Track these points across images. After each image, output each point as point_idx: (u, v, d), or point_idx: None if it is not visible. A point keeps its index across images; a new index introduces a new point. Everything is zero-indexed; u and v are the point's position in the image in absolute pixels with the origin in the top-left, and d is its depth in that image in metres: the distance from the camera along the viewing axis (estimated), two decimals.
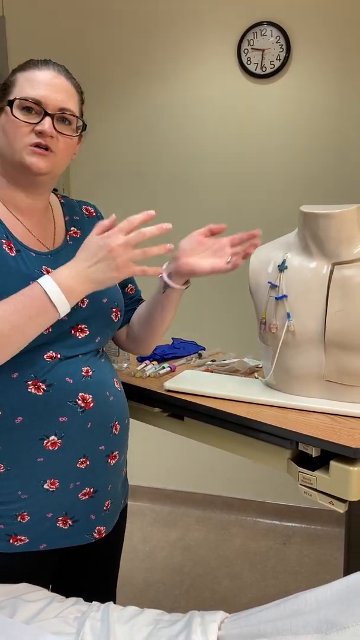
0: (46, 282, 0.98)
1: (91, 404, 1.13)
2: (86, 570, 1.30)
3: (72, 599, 1.08)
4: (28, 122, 1.07)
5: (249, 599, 2.27)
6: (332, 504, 1.13)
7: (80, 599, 1.09)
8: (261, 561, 2.51)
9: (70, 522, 1.16)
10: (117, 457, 1.21)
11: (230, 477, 2.82)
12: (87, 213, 1.31)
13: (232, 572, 2.44)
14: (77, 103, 1.15)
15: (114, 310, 1.21)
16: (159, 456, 2.88)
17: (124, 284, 1.34)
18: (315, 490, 1.15)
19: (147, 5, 2.57)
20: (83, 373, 1.14)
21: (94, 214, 1.32)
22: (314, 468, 1.16)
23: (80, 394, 1.12)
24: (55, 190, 1.27)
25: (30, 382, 1.08)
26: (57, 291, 0.98)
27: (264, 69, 2.46)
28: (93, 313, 1.16)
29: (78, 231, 1.24)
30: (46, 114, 1.08)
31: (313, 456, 1.16)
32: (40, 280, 0.99)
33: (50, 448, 1.10)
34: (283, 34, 2.40)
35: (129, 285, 1.37)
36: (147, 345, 1.37)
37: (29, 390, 1.08)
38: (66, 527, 1.15)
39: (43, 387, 1.08)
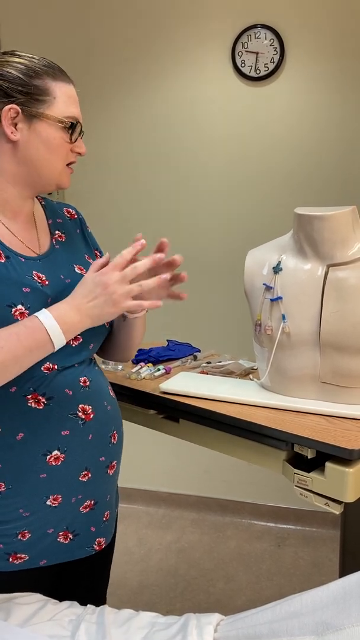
0: (45, 317, 0.98)
1: (91, 415, 1.11)
2: (81, 581, 1.28)
3: (67, 602, 1.07)
4: (71, 142, 1.09)
5: (244, 601, 2.26)
6: (328, 506, 1.13)
7: (75, 602, 1.08)
8: (256, 563, 2.51)
9: (70, 537, 1.14)
10: (115, 466, 1.20)
11: (225, 479, 2.82)
12: (69, 215, 1.27)
13: (227, 574, 2.43)
14: None
15: None
16: (153, 458, 2.87)
17: None
18: (311, 491, 1.15)
19: (142, 8, 2.57)
20: (81, 383, 1.11)
21: (76, 216, 1.29)
22: (310, 469, 1.16)
23: (80, 405, 1.10)
24: None
25: (29, 396, 1.05)
26: (55, 327, 0.98)
27: (258, 71, 2.47)
28: None
29: (63, 235, 1.21)
30: (81, 133, 1.10)
31: (308, 457, 1.16)
32: (39, 315, 0.98)
33: (54, 463, 1.08)
34: (277, 37, 2.41)
35: None
36: (122, 357, 1.34)
37: (29, 404, 1.05)
38: (67, 542, 1.13)
39: (43, 400, 1.06)
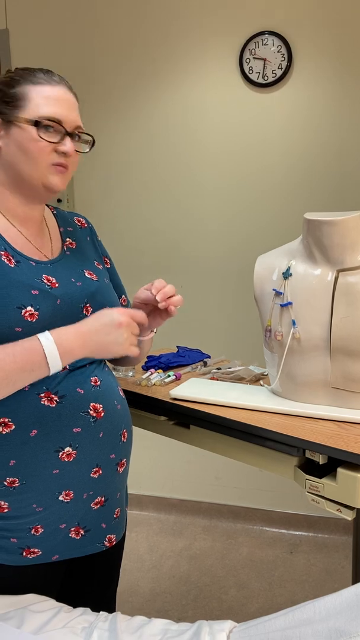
0: (45, 339, 1.01)
1: (102, 414, 1.14)
2: (92, 578, 1.30)
3: (80, 609, 1.07)
4: (51, 142, 1.08)
5: (257, 609, 2.25)
6: (340, 512, 1.13)
7: (88, 609, 1.08)
8: (268, 570, 2.49)
9: (82, 532, 1.16)
10: (125, 464, 1.23)
11: (236, 486, 2.81)
12: (79, 224, 1.32)
13: (239, 581, 2.42)
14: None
15: None
16: (164, 465, 2.87)
17: (118, 295, 1.35)
18: (323, 497, 1.15)
19: (149, 16, 2.59)
20: (92, 383, 1.14)
21: (86, 225, 1.33)
22: (321, 475, 1.15)
23: (91, 404, 1.13)
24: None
25: (42, 394, 1.08)
26: (53, 350, 1.00)
27: (265, 78, 2.47)
28: None
29: (73, 242, 1.25)
30: (67, 133, 1.09)
31: (320, 463, 1.16)
32: (40, 337, 1.01)
33: (66, 459, 1.10)
34: (284, 43, 2.42)
35: (123, 296, 1.39)
36: (129, 364, 1.41)
37: (42, 402, 1.08)
38: (78, 537, 1.16)
39: (56, 398, 1.08)
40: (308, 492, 1.17)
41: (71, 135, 1.10)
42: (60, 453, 1.10)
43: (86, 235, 1.31)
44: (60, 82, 1.12)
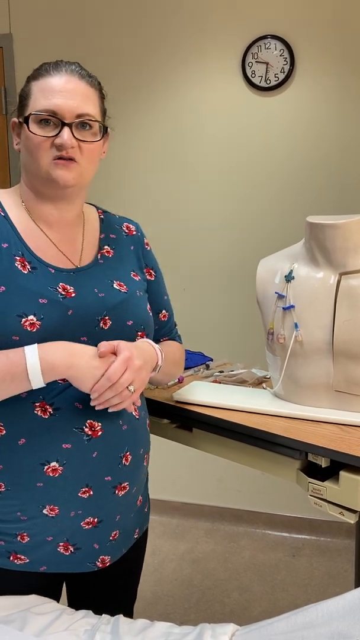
0: (31, 354, 0.98)
1: (99, 433, 1.07)
2: (97, 597, 1.26)
3: (82, 612, 1.07)
4: (47, 137, 1.04)
5: (259, 612, 2.25)
6: (343, 515, 1.13)
7: (90, 612, 1.08)
8: (271, 573, 2.49)
9: (71, 549, 1.11)
10: (127, 488, 1.14)
11: (239, 489, 2.81)
12: (127, 231, 1.26)
13: (241, 584, 2.42)
14: (96, 102, 1.11)
15: (139, 333, 1.15)
16: (167, 468, 2.86)
17: (157, 310, 1.28)
18: (325, 500, 1.15)
19: (152, 19, 2.60)
20: None
21: (135, 232, 1.27)
22: (324, 478, 1.15)
23: (88, 421, 1.06)
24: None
25: (37, 404, 1.04)
26: (36, 367, 0.97)
27: (268, 81, 2.48)
28: (115, 335, 1.08)
29: (111, 250, 1.19)
30: (63, 124, 1.04)
31: (323, 466, 1.15)
32: (27, 350, 0.98)
33: (51, 474, 1.05)
34: (287, 47, 2.43)
35: (163, 311, 1.31)
36: (160, 384, 1.36)
37: (35, 412, 1.04)
38: (67, 553, 1.11)
39: (50, 410, 1.04)
40: (310, 495, 1.17)
41: (71, 125, 1.04)
42: (46, 467, 1.05)
43: (131, 244, 1.24)
44: (60, 70, 1.07)
